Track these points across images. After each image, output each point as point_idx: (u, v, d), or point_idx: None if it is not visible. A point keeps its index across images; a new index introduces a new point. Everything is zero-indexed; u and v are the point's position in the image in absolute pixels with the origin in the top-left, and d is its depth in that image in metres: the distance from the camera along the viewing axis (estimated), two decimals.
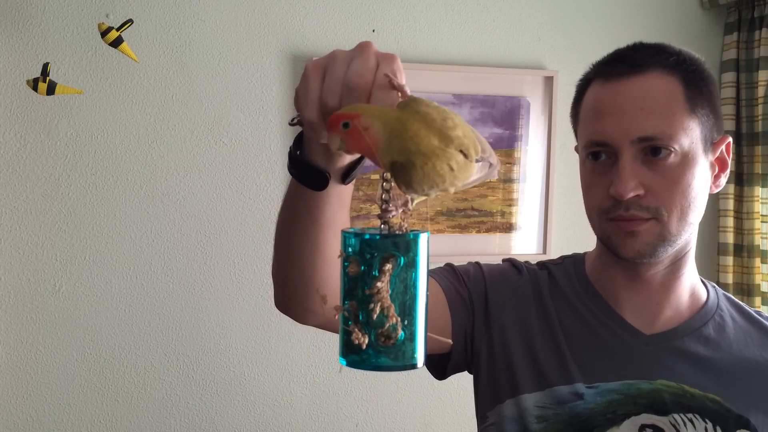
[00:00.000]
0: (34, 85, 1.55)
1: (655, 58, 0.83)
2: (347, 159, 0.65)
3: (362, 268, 0.51)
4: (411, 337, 0.52)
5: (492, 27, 2.01)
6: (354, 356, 0.52)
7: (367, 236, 0.52)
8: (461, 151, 0.51)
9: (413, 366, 0.53)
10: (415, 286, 0.52)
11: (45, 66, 1.56)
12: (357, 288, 0.51)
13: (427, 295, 0.53)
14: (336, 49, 0.56)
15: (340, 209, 0.69)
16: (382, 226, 0.54)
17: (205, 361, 1.86)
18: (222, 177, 1.83)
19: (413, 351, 0.52)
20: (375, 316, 0.50)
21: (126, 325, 1.80)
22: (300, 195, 0.68)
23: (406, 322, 0.51)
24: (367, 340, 0.51)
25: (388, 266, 0.51)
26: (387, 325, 0.50)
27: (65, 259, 1.75)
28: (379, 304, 0.50)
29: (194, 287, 1.84)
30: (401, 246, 0.51)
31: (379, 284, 0.50)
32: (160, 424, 1.84)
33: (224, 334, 1.87)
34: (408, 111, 0.52)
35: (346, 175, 0.67)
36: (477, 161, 0.53)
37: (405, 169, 0.50)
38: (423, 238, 0.52)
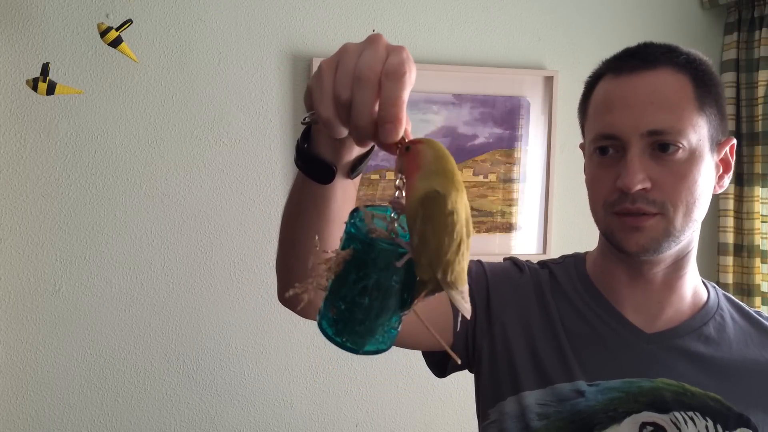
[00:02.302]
0: (34, 85, 1.55)
1: (665, 56, 0.84)
2: (354, 153, 0.65)
3: (343, 245, 0.55)
4: (349, 320, 0.55)
5: (492, 27, 2.01)
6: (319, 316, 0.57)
7: (348, 223, 0.55)
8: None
9: (342, 346, 0.56)
10: (367, 283, 0.54)
11: (45, 66, 1.56)
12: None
13: (389, 301, 0.55)
14: (347, 42, 0.57)
15: (345, 204, 0.69)
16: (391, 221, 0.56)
17: (205, 361, 1.86)
18: (222, 177, 1.83)
19: (348, 333, 0.56)
20: (324, 285, 0.55)
21: (126, 325, 1.80)
22: (306, 188, 0.68)
23: (342, 306, 0.55)
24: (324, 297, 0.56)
25: (337, 251, 0.54)
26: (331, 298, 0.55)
27: (65, 259, 1.75)
28: (320, 275, 0.54)
29: (194, 287, 1.84)
30: (365, 245, 0.53)
31: (323, 262, 0.54)
32: (160, 424, 1.84)
33: (224, 334, 1.87)
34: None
35: (352, 170, 0.67)
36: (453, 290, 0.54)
37: (435, 200, 0.52)
38: (386, 252, 0.54)
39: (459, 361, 0.60)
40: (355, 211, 0.56)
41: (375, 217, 0.56)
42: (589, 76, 0.91)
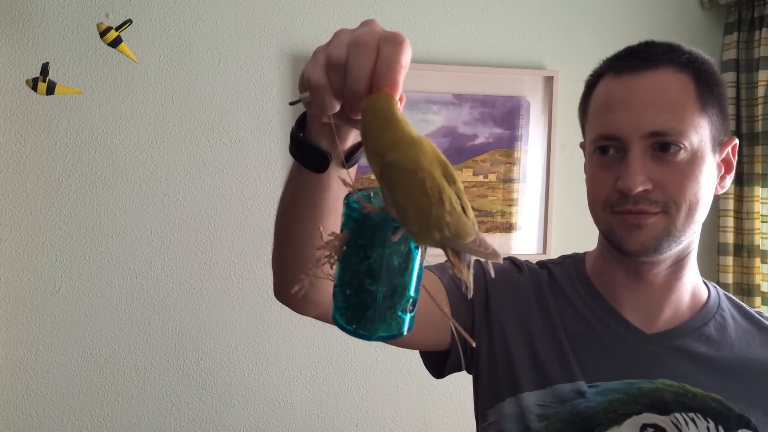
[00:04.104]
0: (33, 85, 1.55)
1: (667, 55, 0.83)
2: (349, 142, 0.64)
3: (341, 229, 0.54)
4: (358, 306, 0.53)
5: (492, 27, 2.01)
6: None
7: (344, 204, 0.54)
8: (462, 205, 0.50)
9: (352, 333, 0.54)
10: (370, 263, 0.52)
11: (45, 66, 1.56)
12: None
13: (391, 280, 0.53)
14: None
15: (340, 194, 0.68)
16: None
17: (205, 361, 1.86)
18: (222, 177, 1.83)
19: (352, 320, 0.54)
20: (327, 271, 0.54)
21: (126, 325, 1.80)
22: (301, 177, 0.67)
23: (348, 291, 0.53)
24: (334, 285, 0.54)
25: (335, 233, 0.53)
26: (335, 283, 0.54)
27: (65, 259, 1.75)
28: (326, 262, 0.53)
29: (194, 287, 1.84)
30: (361, 224, 0.52)
31: (318, 250, 0.53)
32: (160, 424, 1.84)
33: (224, 334, 1.87)
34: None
35: (347, 159, 0.65)
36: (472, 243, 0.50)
37: (391, 166, 0.49)
38: (381, 227, 0.52)
39: (474, 343, 0.59)
40: (349, 194, 0.55)
41: (374, 197, 0.55)
42: (590, 75, 0.91)
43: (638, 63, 0.83)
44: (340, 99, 0.54)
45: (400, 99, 0.53)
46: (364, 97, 0.52)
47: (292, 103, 0.59)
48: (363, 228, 0.52)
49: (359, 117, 0.55)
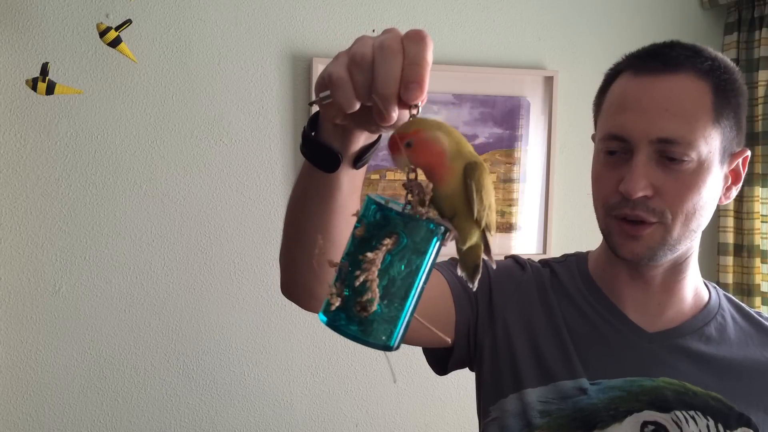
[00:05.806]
0: (33, 84, 1.55)
1: (690, 60, 0.82)
2: (360, 143, 0.64)
3: (367, 235, 0.51)
4: (389, 318, 0.51)
5: (492, 27, 2.01)
6: (327, 315, 0.52)
7: (383, 207, 0.52)
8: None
9: (381, 346, 0.52)
10: (409, 271, 0.51)
11: (44, 66, 1.56)
12: (356, 252, 0.51)
13: (422, 287, 0.52)
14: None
15: (350, 194, 0.68)
16: (406, 206, 0.54)
17: (205, 361, 1.86)
18: (222, 177, 1.83)
19: (386, 332, 0.52)
20: (357, 284, 0.50)
21: (126, 325, 1.80)
22: (311, 177, 0.67)
23: (386, 301, 0.51)
24: (339, 302, 0.50)
25: (387, 241, 0.50)
26: (365, 297, 0.49)
27: (65, 259, 1.75)
28: (364, 274, 0.50)
29: (194, 287, 1.84)
30: (409, 229, 0.51)
31: (370, 255, 0.50)
32: (160, 424, 1.84)
33: (224, 334, 1.87)
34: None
35: (357, 160, 0.66)
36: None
37: (480, 169, 0.56)
38: (432, 232, 0.52)
39: (450, 341, 0.60)
40: (370, 200, 0.53)
41: (388, 204, 0.54)
42: (610, 69, 0.89)
43: (658, 65, 0.82)
44: (360, 99, 0.54)
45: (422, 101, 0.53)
46: (393, 100, 0.52)
47: (311, 103, 0.59)
48: (414, 233, 0.51)
49: (386, 122, 0.54)
